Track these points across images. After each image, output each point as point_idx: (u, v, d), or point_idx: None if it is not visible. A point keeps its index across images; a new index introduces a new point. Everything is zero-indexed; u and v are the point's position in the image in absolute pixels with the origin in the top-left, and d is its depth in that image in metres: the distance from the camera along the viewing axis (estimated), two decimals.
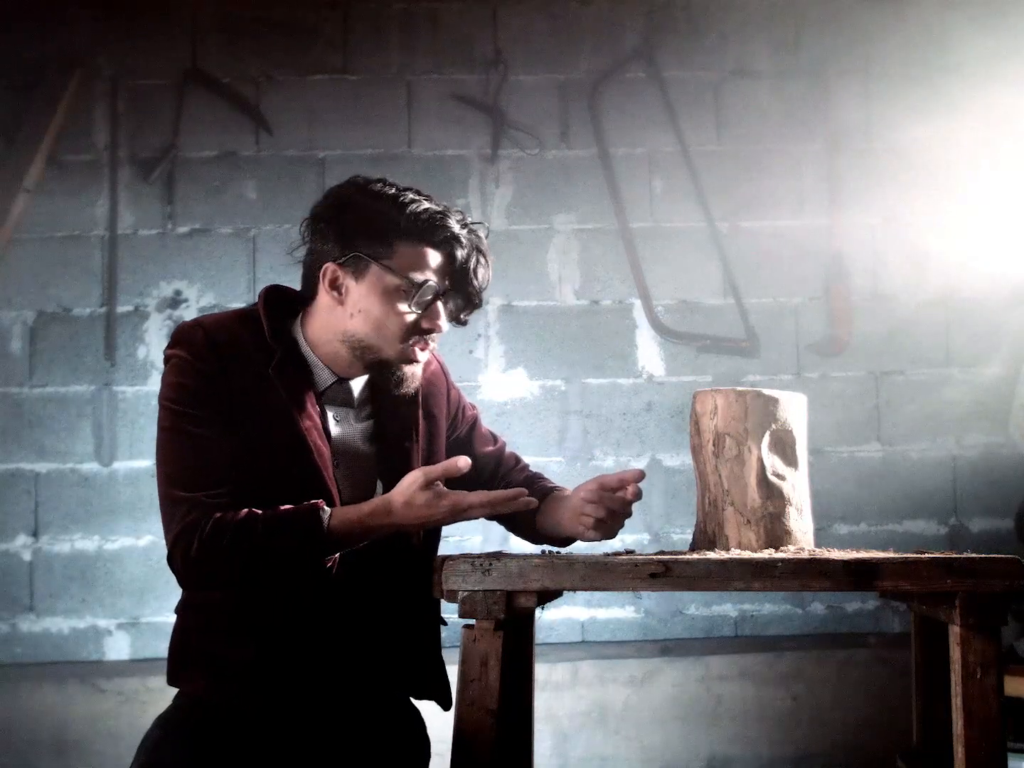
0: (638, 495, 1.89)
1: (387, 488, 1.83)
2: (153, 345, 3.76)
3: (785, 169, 3.88)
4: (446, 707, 1.93)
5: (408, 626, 1.92)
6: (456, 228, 1.84)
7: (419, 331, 1.83)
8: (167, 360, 1.83)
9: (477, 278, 1.86)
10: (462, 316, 1.90)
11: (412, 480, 1.71)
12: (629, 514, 1.92)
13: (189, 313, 3.77)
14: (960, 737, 1.62)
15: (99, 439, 3.72)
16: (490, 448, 2.12)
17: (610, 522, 1.90)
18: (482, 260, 1.87)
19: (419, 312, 1.82)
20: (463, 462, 1.72)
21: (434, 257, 1.83)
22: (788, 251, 3.86)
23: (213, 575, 1.74)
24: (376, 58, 3.88)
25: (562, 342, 3.85)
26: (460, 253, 1.83)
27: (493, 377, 3.82)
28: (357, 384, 1.91)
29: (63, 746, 3.47)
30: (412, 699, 1.98)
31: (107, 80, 3.81)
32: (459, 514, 1.73)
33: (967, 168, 3.85)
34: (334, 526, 1.72)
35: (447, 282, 1.84)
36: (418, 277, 1.81)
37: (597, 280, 3.87)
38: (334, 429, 1.88)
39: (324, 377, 1.87)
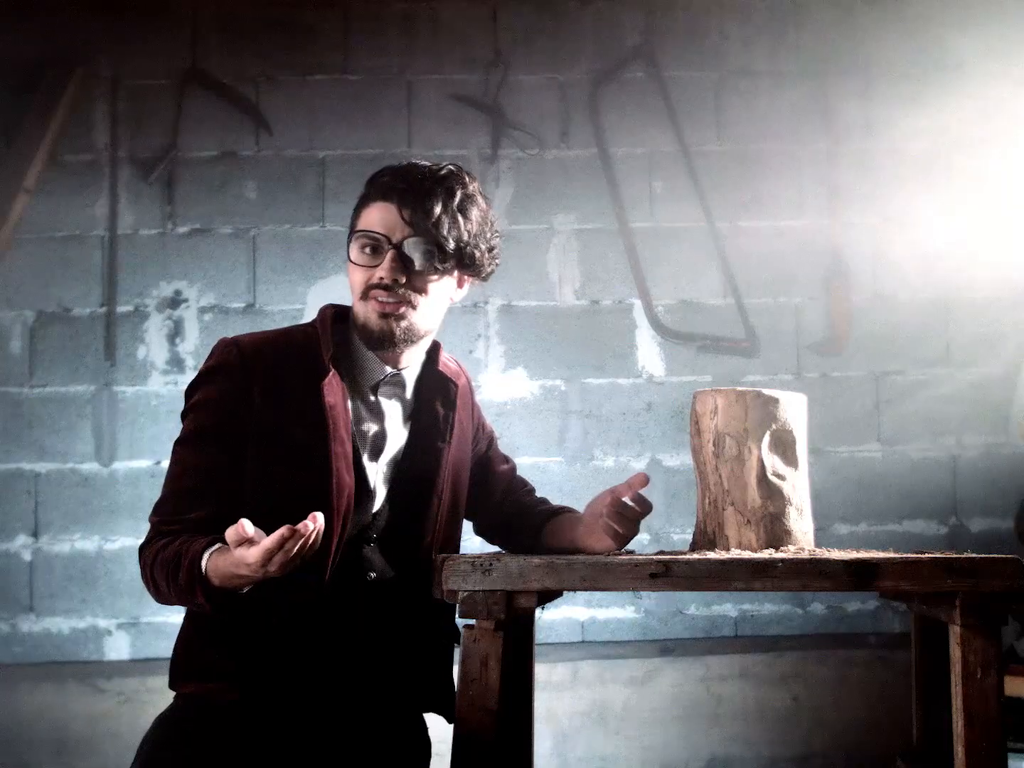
0: (647, 504, 1.89)
1: (418, 486, 1.91)
2: (153, 345, 3.76)
3: (785, 169, 3.88)
4: (451, 719, 1.93)
5: (419, 636, 1.92)
6: (396, 174, 1.81)
7: (370, 285, 1.82)
8: (198, 372, 1.86)
9: (432, 215, 1.78)
10: (436, 264, 1.81)
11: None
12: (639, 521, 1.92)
13: (189, 313, 3.77)
14: (960, 737, 1.62)
15: (99, 439, 3.72)
16: (505, 467, 2.14)
17: (626, 531, 1.89)
18: (436, 199, 1.79)
19: (357, 263, 1.83)
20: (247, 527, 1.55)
21: (381, 209, 1.82)
22: (788, 251, 3.86)
23: (149, 592, 1.80)
24: (376, 58, 3.88)
25: (562, 342, 3.84)
26: (400, 197, 1.79)
27: (493, 377, 3.82)
28: (410, 377, 1.92)
29: (63, 746, 3.47)
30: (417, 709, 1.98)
31: (107, 80, 3.81)
32: (264, 562, 1.55)
33: (967, 168, 3.85)
34: (209, 570, 1.65)
35: (404, 231, 1.80)
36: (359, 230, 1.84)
37: (597, 280, 3.87)
38: (388, 427, 1.90)
39: (377, 371, 1.88)
